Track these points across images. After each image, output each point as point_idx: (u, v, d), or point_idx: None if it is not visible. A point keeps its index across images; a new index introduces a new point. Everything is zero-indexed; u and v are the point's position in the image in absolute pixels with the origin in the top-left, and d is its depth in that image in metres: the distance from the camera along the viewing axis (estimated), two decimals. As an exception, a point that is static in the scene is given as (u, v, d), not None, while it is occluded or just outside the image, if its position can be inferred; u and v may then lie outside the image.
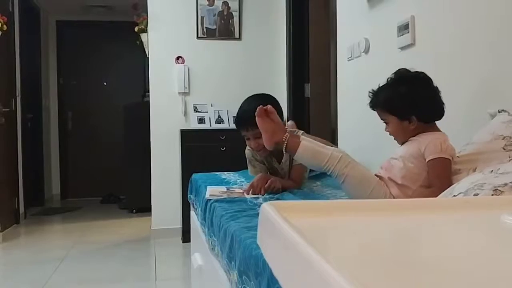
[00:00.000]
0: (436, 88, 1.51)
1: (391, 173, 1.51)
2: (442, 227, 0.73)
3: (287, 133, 1.57)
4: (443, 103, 1.52)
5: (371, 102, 1.59)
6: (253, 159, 2.06)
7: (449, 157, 1.42)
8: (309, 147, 1.51)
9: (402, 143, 1.55)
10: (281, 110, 1.99)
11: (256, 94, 2.07)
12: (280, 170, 2.03)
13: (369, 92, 1.61)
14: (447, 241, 0.66)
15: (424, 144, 1.45)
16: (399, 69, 1.58)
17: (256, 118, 1.60)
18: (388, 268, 0.54)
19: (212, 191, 1.94)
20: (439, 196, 1.28)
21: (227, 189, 2.00)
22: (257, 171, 2.04)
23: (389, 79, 1.56)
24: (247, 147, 2.07)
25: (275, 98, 2.06)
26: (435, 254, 0.59)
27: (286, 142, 1.52)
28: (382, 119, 1.58)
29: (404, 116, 1.49)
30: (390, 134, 1.58)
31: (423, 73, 1.53)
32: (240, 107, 1.99)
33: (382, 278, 0.50)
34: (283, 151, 1.55)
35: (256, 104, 1.86)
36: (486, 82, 1.71)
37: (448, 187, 1.33)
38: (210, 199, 1.81)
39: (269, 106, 1.62)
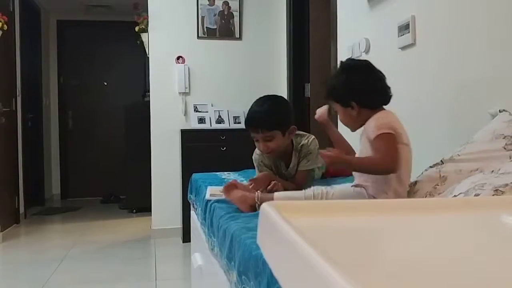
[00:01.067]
0: (379, 74, 1.55)
1: (362, 176, 1.53)
2: (443, 227, 0.72)
3: (257, 192, 1.59)
4: (388, 88, 1.55)
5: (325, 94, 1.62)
6: (262, 164, 2.00)
7: (385, 131, 1.42)
8: (283, 197, 1.53)
9: (355, 130, 1.58)
10: (292, 112, 1.98)
11: (268, 96, 2.02)
12: (288, 175, 2.01)
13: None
14: (448, 242, 0.65)
15: (366, 132, 1.49)
16: (345, 60, 1.63)
17: (224, 193, 1.65)
18: (388, 268, 0.53)
19: (212, 191, 1.93)
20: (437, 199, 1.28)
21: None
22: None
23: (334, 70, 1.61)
24: (255, 151, 2.02)
25: (286, 101, 2.04)
26: (435, 254, 0.59)
27: (259, 202, 1.52)
28: (334, 109, 1.62)
29: (345, 103, 1.52)
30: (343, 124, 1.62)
31: (365, 61, 1.59)
32: (251, 107, 1.92)
33: (382, 279, 0.50)
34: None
35: (268, 106, 1.88)
36: (487, 82, 1.71)
37: (390, 158, 1.37)
38: (210, 200, 1.81)
39: (233, 181, 1.69)
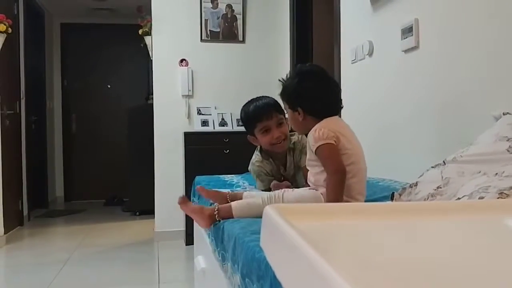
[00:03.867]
0: (331, 84, 1.57)
1: (317, 183, 1.53)
2: (447, 230, 0.72)
3: (215, 204, 1.59)
4: (338, 100, 1.57)
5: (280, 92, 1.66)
6: (262, 173, 1.98)
7: (324, 142, 1.44)
8: (241, 204, 1.51)
9: (300, 134, 1.64)
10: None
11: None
12: (288, 176, 2.02)
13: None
14: (452, 245, 0.65)
15: (308, 143, 1.51)
16: (300, 64, 1.68)
17: (181, 206, 1.58)
18: (392, 271, 0.53)
19: None
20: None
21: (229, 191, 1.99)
22: (266, 185, 1.98)
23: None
24: (252, 163, 2.01)
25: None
26: (438, 258, 0.59)
27: (217, 211, 1.50)
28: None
29: (293, 107, 1.56)
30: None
31: (321, 69, 1.60)
32: (251, 106, 1.95)
33: (385, 282, 0.49)
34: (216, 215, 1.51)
35: (266, 97, 1.95)
36: (490, 84, 1.71)
37: (337, 166, 1.42)
38: (213, 203, 1.81)
39: (183, 196, 1.65)
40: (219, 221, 1.49)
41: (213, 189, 1.76)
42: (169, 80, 4.20)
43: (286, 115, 1.80)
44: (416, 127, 2.20)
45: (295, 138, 1.97)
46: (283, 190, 1.54)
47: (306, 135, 1.59)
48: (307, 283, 0.49)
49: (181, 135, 4.09)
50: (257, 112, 1.92)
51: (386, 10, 2.44)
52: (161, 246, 3.98)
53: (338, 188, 1.43)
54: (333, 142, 1.45)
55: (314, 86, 1.54)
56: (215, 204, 1.60)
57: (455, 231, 0.72)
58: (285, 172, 2.00)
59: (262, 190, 1.92)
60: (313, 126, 1.51)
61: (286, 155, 1.98)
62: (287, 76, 1.63)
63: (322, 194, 1.48)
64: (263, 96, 2.00)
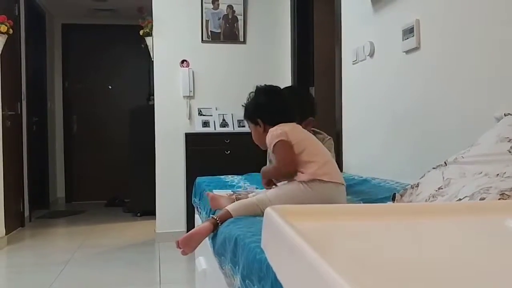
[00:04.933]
0: (283, 98, 1.78)
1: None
2: (448, 231, 0.72)
3: (212, 216, 1.64)
4: (290, 110, 1.75)
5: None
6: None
7: (275, 140, 1.60)
8: (237, 207, 1.59)
9: (265, 148, 1.74)
10: (313, 106, 2.16)
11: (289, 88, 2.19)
12: None
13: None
14: (453, 246, 0.65)
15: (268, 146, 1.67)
16: (259, 85, 1.87)
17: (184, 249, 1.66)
18: (392, 272, 0.53)
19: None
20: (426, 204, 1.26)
21: (233, 193, 1.99)
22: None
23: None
24: None
25: (309, 94, 2.16)
26: (439, 259, 0.59)
27: (219, 220, 1.57)
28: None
29: (253, 120, 1.74)
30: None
31: (275, 87, 1.85)
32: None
33: (385, 283, 0.49)
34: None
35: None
36: (491, 85, 1.70)
37: (284, 162, 1.58)
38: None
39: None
40: (220, 224, 1.54)
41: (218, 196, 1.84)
42: (170, 81, 4.20)
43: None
44: (417, 127, 2.20)
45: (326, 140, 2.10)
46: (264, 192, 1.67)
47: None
48: (308, 284, 0.49)
49: (182, 136, 4.09)
50: None
51: (387, 11, 2.44)
52: (162, 247, 3.98)
53: (274, 175, 1.64)
54: (285, 139, 1.60)
55: (270, 100, 1.75)
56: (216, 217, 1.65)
57: (456, 232, 0.72)
58: None
59: None
60: (257, 139, 1.72)
61: None
62: (247, 99, 1.83)
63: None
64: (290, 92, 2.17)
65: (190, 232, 1.63)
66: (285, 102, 1.77)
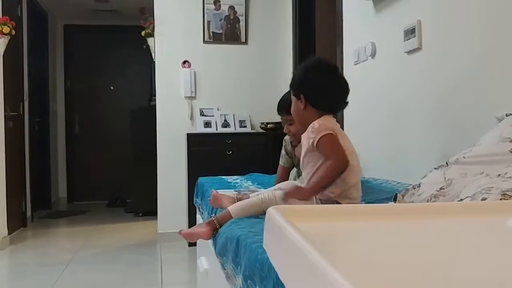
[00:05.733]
0: (340, 83, 1.57)
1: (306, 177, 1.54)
2: (450, 231, 0.72)
3: (211, 217, 1.61)
4: (342, 100, 1.57)
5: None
6: (284, 151, 2.25)
7: (324, 133, 1.45)
8: (238, 207, 1.53)
9: (299, 125, 1.63)
10: None
11: None
12: (298, 166, 2.08)
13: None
14: (453, 246, 0.65)
15: (306, 137, 1.51)
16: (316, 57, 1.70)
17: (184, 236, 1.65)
18: (394, 272, 0.53)
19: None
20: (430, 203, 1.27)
21: (236, 193, 1.98)
22: (283, 161, 2.26)
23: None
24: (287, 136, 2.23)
25: None
26: (441, 259, 0.59)
27: (216, 220, 1.53)
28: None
29: (296, 94, 1.57)
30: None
31: (328, 61, 1.64)
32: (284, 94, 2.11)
33: (387, 283, 0.49)
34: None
35: (288, 97, 2.01)
36: (493, 85, 1.71)
37: (337, 155, 1.41)
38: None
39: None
40: (219, 227, 1.52)
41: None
42: (172, 81, 4.20)
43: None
44: (418, 128, 2.20)
45: None
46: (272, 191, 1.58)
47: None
48: (309, 284, 0.49)
49: (184, 136, 4.09)
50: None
51: (389, 12, 2.44)
52: (164, 247, 3.98)
53: (329, 175, 1.42)
54: (333, 133, 1.46)
55: (322, 77, 1.55)
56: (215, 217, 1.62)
57: (457, 232, 0.72)
58: (298, 163, 2.10)
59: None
60: (311, 120, 1.52)
61: None
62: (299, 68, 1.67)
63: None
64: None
65: (192, 229, 1.62)
66: (339, 89, 1.57)
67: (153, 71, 4.41)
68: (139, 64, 6.21)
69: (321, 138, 1.44)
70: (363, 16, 2.73)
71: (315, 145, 1.46)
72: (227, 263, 1.37)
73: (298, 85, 1.57)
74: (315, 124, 1.48)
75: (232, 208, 1.54)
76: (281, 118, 2.10)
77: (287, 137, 2.24)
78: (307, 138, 1.50)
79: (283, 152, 2.29)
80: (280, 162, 2.29)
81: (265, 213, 1.42)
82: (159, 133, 4.20)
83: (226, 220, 1.52)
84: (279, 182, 1.92)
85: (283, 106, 2.02)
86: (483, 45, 1.74)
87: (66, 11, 6.03)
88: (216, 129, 4.16)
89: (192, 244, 3.52)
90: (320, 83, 1.54)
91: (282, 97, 2.10)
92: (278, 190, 1.55)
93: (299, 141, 2.03)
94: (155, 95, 4.33)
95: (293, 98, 1.59)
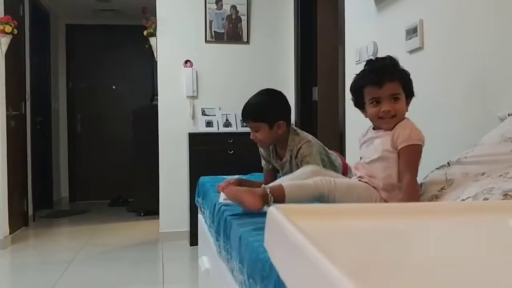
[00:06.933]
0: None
1: (372, 175, 1.49)
2: (452, 231, 0.72)
3: (264, 186, 1.47)
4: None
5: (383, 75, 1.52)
6: (261, 153, 2.12)
7: (419, 143, 1.41)
8: (293, 186, 1.43)
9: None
10: (283, 108, 2.01)
11: (265, 89, 2.11)
12: (280, 168, 2.03)
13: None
14: (455, 246, 0.65)
15: (395, 134, 1.44)
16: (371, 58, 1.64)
17: (224, 190, 1.53)
18: (396, 272, 0.53)
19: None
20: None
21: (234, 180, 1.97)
22: (266, 165, 2.11)
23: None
24: None
25: (280, 96, 2.06)
26: (442, 259, 0.59)
27: (270, 194, 1.40)
28: (392, 94, 1.48)
29: (409, 93, 1.50)
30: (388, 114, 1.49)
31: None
32: (248, 99, 2.04)
33: (389, 283, 0.49)
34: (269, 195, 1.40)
35: (259, 99, 2.00)
36: (495, 85, 1.70)
37: (416, 174, 1.38)
38: (220, 203, 1.80)
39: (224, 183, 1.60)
40: (270, 204, 1.37)
41: (247, 188, 1.54)
42: (174, 81, 4.21)
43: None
44: (420, 127, 2.19)
45: (297, 144, 1.94)
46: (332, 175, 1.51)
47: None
48: (311, 284, 0.49)
49: (185, 136, 4.10)
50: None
51: (391, 11, 2.44)
52: (165, 246, 3.99)
53: (418, 192, 1.38)
54: (422, 144, 1.42)
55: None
56: (263, 185, 1.47)
57: (459, 232, 0.72)
58: (278, 164, 2.02)
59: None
60: (403, 112, 1.46)
61: (287, 152, 1.97)
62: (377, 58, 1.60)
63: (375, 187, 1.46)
64: (259, 93, 2.08)
65: (240, 195, 1.43)
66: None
67: (155, 71, 4.42)
68: (141, 64, 6.22)
69: (413, 145, 1.40)
70: (364, 16, 2.73)
71: (402, 144, 1.41)
72: (232, 260, 1.37)
73: (410, 83, 1.50)
74: (415, 130, 1.43)
75: (287, 186, 1.41)
76: (248, 125, 1.99)
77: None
78: (389, 138, 1.44)
79: (262, 157, 2.13)
80: (263, 167, 2.14)
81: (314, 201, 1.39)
82: (161, 133, 4.21)
83: (280, 198, 1.38)
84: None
85: (249, 112, 1.96)
86: (485, 44, 1.74)
87: (68, 10, 6.04)
88: (218, 129, 4.16)
89: (194, 244, 3.53)
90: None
91: (248, 102, 2.01)
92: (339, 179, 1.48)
93: (267, 146, 2.01)
94: (157, 95, 4.33)
95: (401, 96, 1.46)
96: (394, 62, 1.52)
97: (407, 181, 1.39)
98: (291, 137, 1.96)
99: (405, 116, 1.50)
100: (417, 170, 1.41)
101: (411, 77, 1.52)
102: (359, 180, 1.53)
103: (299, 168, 1.92)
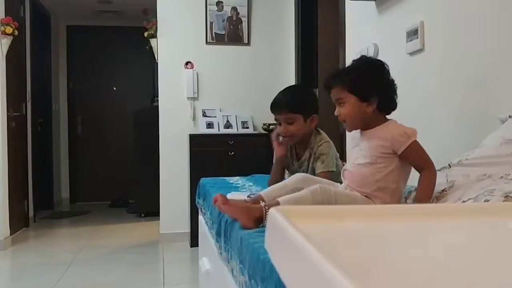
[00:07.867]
0: (393, 80, 1.49)
1: (361, 184, 1.45)
2: (452, 233, 0.72)
3: (262, 203, 1.42)
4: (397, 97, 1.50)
5: (328, 81, 1.52)
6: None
7: (414, 138, 1.40)
8: (289, 200, 1.40)
9: (351, 130, 1.53)
10: (316, 102, 2.04)
11: (294, 85, 2.13)
12: (296, 168, 2.01)
13: (329, 74, 1.54)
14: (455, 248, 0.65)
15: (388, 138, 1.41)
16: (363, 56, 1.60)
17: (221, 207, 1.45)
18: (397, 274, 0.53)
19: (233, 197, 1.88)
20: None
21: (248, 197, 1.94)
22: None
23: (354, 62, 1.53)
24: (275, 132, 2.06)
25: (312, 90, 2.13)
26: (443, 260, 0.59)
27: (266, 211, 1.36)
28: (337, 99, 1.51)
29: (367, 97, 1.43)
30: (340, 118, 1.52)
31: (385, 63, 1.52)
32: (277, 94, 2.02)
33: (391, 285, 0.49)
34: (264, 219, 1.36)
35: (293, 91, 2.03)
36: (496, 87, 1.70)
37: (430, 160, 1.38)
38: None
39: (220, 196, 1.48)
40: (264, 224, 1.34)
41: (245, 205, 1.48)
42: (175, 82, 4.21)
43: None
44: (420, 129, 2.19)
45: (318, 142, 1.96)
46: (332, 185, 1.49)
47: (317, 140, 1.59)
48: (311, 285, 0.49)
49: (186, 137, 4.10)
50: (271, 105, 2.00)
51: (392, 13, 2.44)
52: (166, 247, 3.98)
53: (434, 184, 1.38)
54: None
55: (388, 77, 1.47)
56: (262, 203, 1.43)
57: (459, 234, 0.72)
58: (296, 163, 2.02)
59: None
60: (375, 122, 1.45)
61: (307, 148, 1.98)
62: (342, 68, 1.59)
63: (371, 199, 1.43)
64: (291, 88, 2.14)
65: (236, 216, 1.40)
66: (395, 88, 1.49)
67: (156, 72, 4.42)
68: (142, 65, 6.23)
69: (414, 142, 1.39)
70: (365, 17, 2.73)
71: (400, 151, 1.39)
72: (232, 261, 1.37)
73: (370, 87, 1.43)
74: (405, 129, 1.41)
75: (283, 201, 1.39)
76: (278, 118, 1.95)
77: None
78: (380, 143, 1.42)
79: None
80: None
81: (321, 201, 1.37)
82: (161, 134, 4.21)
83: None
84: (274, 182, 1.79)
85: (287, 103, 1.92)
86: (486, 46, 1.74)
87: (69, 12, 6.04)
88: (219, 130, 4.16)
89: (194, 245, 3.52)
90: (390, 84, 1.47)
91: (282, 94, 1.99)
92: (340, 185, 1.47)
93: (296, 141, 1.98)
94: (157, 96, 4.34)
95: (353, 100, 1.44)
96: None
97: (432, 172, 1.38)
98: (313, 135, 1.98)
99: (388, 118, 1.49)
100: (430, 159, 1.40)
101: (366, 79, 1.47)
102: (347, 188, 1.49)
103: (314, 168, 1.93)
